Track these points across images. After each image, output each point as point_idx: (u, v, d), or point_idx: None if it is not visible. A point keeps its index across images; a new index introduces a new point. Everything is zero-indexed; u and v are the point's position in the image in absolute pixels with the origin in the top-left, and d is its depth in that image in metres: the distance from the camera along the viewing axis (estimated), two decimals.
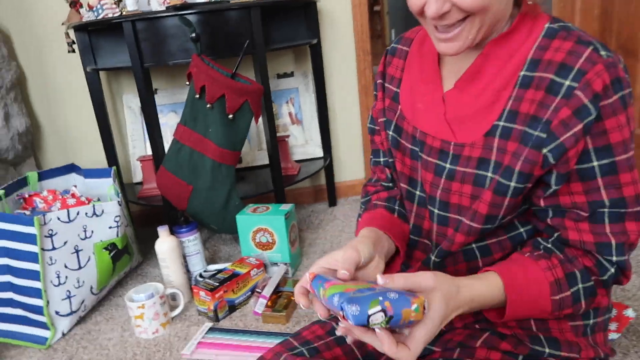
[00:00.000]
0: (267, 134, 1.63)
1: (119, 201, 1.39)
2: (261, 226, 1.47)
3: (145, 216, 1.95)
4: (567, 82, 0.60)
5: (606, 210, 0.64)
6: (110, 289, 1.49)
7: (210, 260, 1.64)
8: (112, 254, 1.40)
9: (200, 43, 1.40)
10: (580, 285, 0.65)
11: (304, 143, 1.96)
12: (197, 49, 1.39)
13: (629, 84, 0.61)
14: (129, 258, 1.51)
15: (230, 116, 1.40)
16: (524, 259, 0.67)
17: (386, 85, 0.84)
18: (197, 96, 1.40)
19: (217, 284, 1.30)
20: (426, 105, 0.75)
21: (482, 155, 0.67)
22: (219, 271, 1.39)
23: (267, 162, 1.89)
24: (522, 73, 0.65)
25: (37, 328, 1.27)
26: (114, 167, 1.56)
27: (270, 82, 1.80)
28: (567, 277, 0.64)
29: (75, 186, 1.52)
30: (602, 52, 0.60)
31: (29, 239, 1.20)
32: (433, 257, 0.76)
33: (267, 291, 1.32)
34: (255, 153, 1.93)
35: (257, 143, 1.93)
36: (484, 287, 0.63)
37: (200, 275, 1.47)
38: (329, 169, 1.94)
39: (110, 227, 1.38)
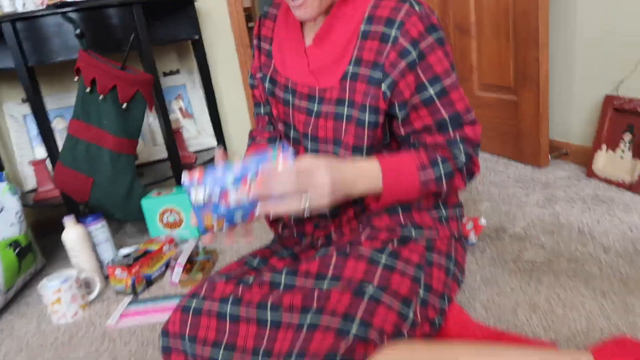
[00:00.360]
0: (162, 126, 1.72)
1: (18, 196, 1.39)
2: (167, 206, 1.56)
3: (42, 224, 1.91)
4: (393, 32, 0.82)
5: (449, 123, 0.87)
6: (17, 291, 1.47)
7: (119, 247, 1.68)
8: (16, 251, 1.39)
9: (86, 39, 1.47)
10: (441, 168, 0.86)
11: (197, 135, 2.07)
12: (82, 45, 1.45)
13: (441, 27, 0.85)
14: (33, 257, 1.51)
15: (124, 106, 1.48)
16: (401, 152, 0.88)
17: (261, 44, 1.02)
18: (88, 90, 1.46)
19: (132, 262, 1.37)
20: (293, 59, 0.94)
21: (340, 97, 0.88)
22: (131, 253, 1.45)
23: (163, 156, 1.96)
24: (362, 28, 0.86)
25: None
26: (4, 171, 1.54)
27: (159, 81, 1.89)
28: (431, 161, 0.86)
29: None
30: (416, 7, 0.83)
31: None
32: None
33: (182, 260, 1.41)
34: (151, 149, 1.99)
35: (151, 139, 2.00)
36: (364, 161, 0.83)
37: (112, 260, 1.51)
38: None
39: (12, 224, 1.38)
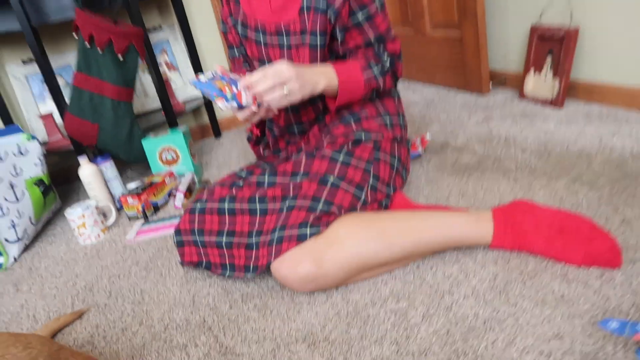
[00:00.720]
0: (153, 77, 1.94)
1: (38, 140, 1.63)
2: (165, 145, 1.81)
3: (53, 173, 2.15)
4: None
5: (374, 42, 1.14)
6: (45, 225, 1.74)
7: (126, 184, 1.94)
8: (42, 189, 1.65)
9: None
10: (375, 68, 1.15)
11: (182, 85, 2.30)
12: (78, 4, 1.66)
13: None
14: (54, 196, 1.77)
15: (121, 57, 1.70)
16: (346, 59, 1.16)
17: None
18: (88, 45, 1.68)
19: (141, 191, 1.64)
20: (258, 2, 1.19)
21: (301, 28, 1.13)
22: (139, 185, 1.71)
23: (156, 106, 2.20)
24: None
25: None
26: (17, 124, 1.77)
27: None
28: (368, 64, 1.15)
29: None
30: None
31: None
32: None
33: (182, 187, 1.68)
34: (144, 100, 2.22)
35: (142, 92, 2.23)
36: (321, 65, 1.10)
37: (123, 192, 1.78)
38: (209, 105, 2.31)
39: (35, 165, 1.63)
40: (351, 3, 1.10)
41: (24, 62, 2.04)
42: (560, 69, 1.71)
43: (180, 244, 1.18)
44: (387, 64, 1.17)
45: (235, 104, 1.02)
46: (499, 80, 2.07)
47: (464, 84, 2.12)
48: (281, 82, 1.01)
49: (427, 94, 2.25)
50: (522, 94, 1.90)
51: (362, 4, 1.10)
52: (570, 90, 1.77)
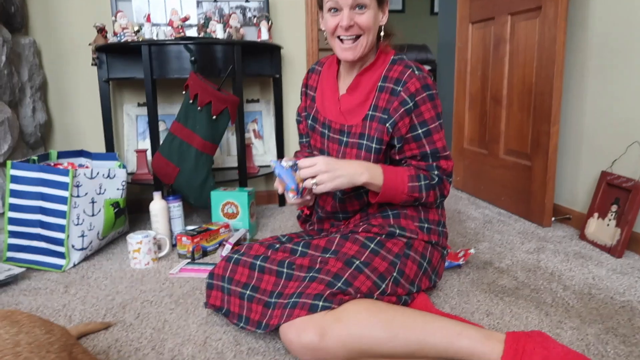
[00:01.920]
0: (237, 140, 2.17)
1: (126, 170, 1.87)
2: (229, 200, 1.98)
3: (132, 201, 2.40)
4: (399, 88, 1.22)
5: (429, 155, 1.24)
6: (108, 242, 1.93)
7: (187, 225, 2.11)
8: (115, 210, 1.86)
9: (197, 65, 1.96)
10: (422, 181, 1.23)
11: (263, 153, 2.51)
12: (193, 68, 1.95)
13: (434, 87, 1.23)
14: (124, 219, 1.97)
15: (214, 117, 1.95)
16: (398, 166, 1.27)
17: (307, 91, 1.44)
18: (191, 102, 1.94)
19: (195, 233, 1.79)
20: (330, 104, 1.35)
21: (361, 132, 1.27)
22: (195, 228, 1.87)
23: (234, 165, 2.42)
24: (379, 84, 1.26)
25: (56, 258, 1.70)
26: (117, 152, 2.04)
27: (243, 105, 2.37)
28: (417, 174, 1.24)
29: (88, 163, 1.98)
30: (417, 72, 1.22)
31: (63, 186, 1.66)
32: (339, 195, 1.34)
33: (233, 240, 1.81)
34: (225, 157, 2.46)
35: (227, 150, 2.47)
36: (374, 167, 1.22)
37: (181, 231, 1.94)
38: None
39: (117, 189, 1.85)
40: (413, 118, 1.22)
41: (139, 104, 2.37)
42: (624, 219, 1.68)
43: (209, 286, 1.28)
44: (435, 181, 1.25)
45: (299, 200, 1.20)
46: (562, 216, 2.05)
47: (527, 213, 2.13)
48: (313, 173, 1.16)
49: (488, 214, 2.27)
50: (582, 235, 1.86)
51: (423, 120, 1.23)
52: (632, 243, 1.72)
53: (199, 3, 2.31)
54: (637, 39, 1.69)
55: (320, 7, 1.26)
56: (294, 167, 1.20)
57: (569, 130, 2.03)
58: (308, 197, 1.24)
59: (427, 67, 2.62)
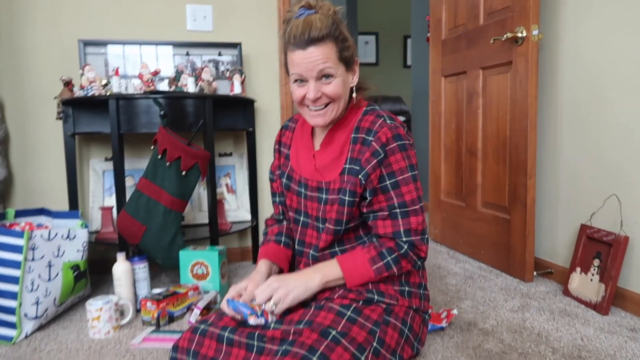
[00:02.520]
0: (209, 195, 2.09)
1: (87, 230, 1.76)
2: (199, 260, 1.87)
3: (95, 262, 2.26)
4: (370, 138, 1.17)
5: (397, 210, 1.17)
6: (67, 309, 1.79)
7: (154, 287, 1.98)
8: (75, 274, 1.73)
9: (167, 119, 1.90)
10: (388, 258, 1.16)
11: (236, 208, 2.43)
12: (163, 123, 1.89)
13: (406, 137, 1.18)
14: (85, 283, 1.84)
15: (184, 173, 1.87)
16: (357, 249, 1.21)
17: (281, 149, 1.39)
18: (159, 157, 1.86)
19: (161, 298, 1.67)
20: (305, 161, 1.30)
21: (340, 186, 1.21)
22: (162, 292, 1.75)
23: (206, 221, 2.32)
24: (352, 135, 1.21)
25: (6, 328, 1.55)
26: (80, 210, 1.93)
27: (214, 159, 2.30)
28: (379, 254, 1.17)
29: (47, 222, 1.86)
30: (388, 121, 1.17)
31: (16, 249, 1.53)
32: (312, 252, 1.26)
33: (202, 303, 1.69)
34: (196, 214, 2.36)
35: (198, 205, 2.37)
36: (327, 264, 1.18)
37: (146, 295, 1.81)
38: (255, 230, 2.40)
39: (77, 250, 1.73)
40: (382, 169, 1.16)
41: (106, 159, 2.28)
42: (607, 275, 1.64)
43: None
44: (404, 249, 1.17)
45: (262, 320, 1.14)
46: (544, 271, 2.00)
47: (508, 267, 2.07)
48: (268, 294, 1.15)
49: (469, 268, 2.20)
50: (566, 290, 1.81)
51: (391, 171, 1.16)
52: (617, 299, 1.67)
53: (173, 56, 2.28)
54: (607, 92, 1.71)
55: (287, 72, 1.21)
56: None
57: (546, 182, 2.02)
58: (275, 319, 1.17)
59: (401, 118, 2.61)
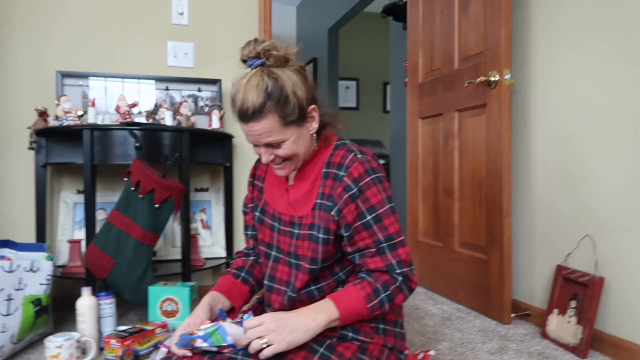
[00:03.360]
0: (182, 230, 2.04)
1: (52, 263, 1.68)
2: (169, 296, 1.80)
3: (60, 298, 2.16)
4: (342, 173, 1.15)
5: (384, 244, 1.14)
6: (25, 346, 1.69)
7: (120, 324, 1.89)
8: (36, 309, 1.64)
9: (142, 150, 1.88)
10: (383, 294, 1.12)
11: (210, 244, 2.37)
12: (138, 155, 1.86)
13: (379, 170, 1.16)
14: (47, 319, 1.74)
15: (157, 206, 1.83)
16: (349, 286, 1.14)
17: (255, 182, 1.37)
18: (133, 189, 1.82)
19: (127, 335, 1.59)
20: (279, 195, 1.28)
21: (312, 222, 1.18)
22: (127, 329, 1.67)
23: (178, 257, 2.26)
24: (323, 170, 1.20)
25: None
26: (47, 242, 1.86)
27: (190, 194, 2.27)
28: (374, 290, 1.11)
29: (11, 254, 1.79)
30: (359, 156, 1.16)
31: None
32: (289, 293, 1.21)
33: (169, 342, 1.61)
34: (169, 249, 2.30)
35: (171, 240, 2.31)
36: (323, 304, 1.09)
37: (110, 332, 1.72)
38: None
39: (41, 284, 1.65)
40: (359, 204, 1.14)
41: (78, 191, 2.23)
42: (584, 317, 1.62)
43: None
44: (399, 282, 1.13)
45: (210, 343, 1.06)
46: (521, 312, 1.98)
47: (485, 309, 2.04)
48: (261, 334, 1.02)
49: (447, 309, 2.17)
50: (544, 333, 1.78)
51: (370, 206, 1.14)
52: (595, 341, 1.65)
53: (155, 91, 2.28)
54: (578, 134, 1.75)
55: None
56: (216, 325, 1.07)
57: (522, 222, 2.03)
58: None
59: (381, 161, 2.62)
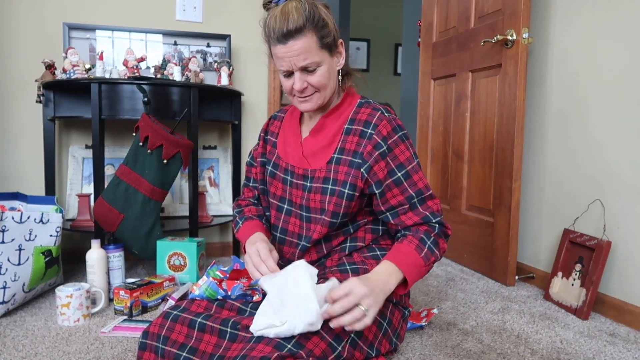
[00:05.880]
0: (190, 187, 2.04)
1: (62, 215, 1.70)
2: (177, 250, 1.82)
3: (69, 251, 2.20)
4: (370, 131, 1.14)
5: (415, 199, 1.15)
6: (37, 296, 1.73)
7: (129, 277, 1.93)
8: (46, 259, 1.67)
9: (150, 106, 1.86)
10: (429, 242, 1.12)
11: (218, 202, 2.38)
12: (146, 110, 1.85)
13: (404, 128, 1.16)
14: (57, 270, 1.78)
15: (165, 161, 1.82)
16: (395, 244, 1.15)
17: (268, 137, 1.36)
18: (141, 144, 1.82)
19: (135, 287, 1.62)
20: (292, 148, 1.27)
21: (326, 175, 1.18)
22: (136, 281, 1.70)
23: (186, 214, 2.27)
24: (346, 126, 1.19)
25: None
26: (56, 195, 1.87)
27: (198, 151, 2.26)
28: (420, 240, 1.13)
29: (21, 206, 1.81)
30: (386, 114, 1.15)
31: None
32: (302, 242, 1.22)
33: (177, 294, 1.65)
34: (177, 205, 2.31)
35: (179, 197, 2.33)
36: (381, 266, 1.09)
37: (119, 284, 1.76)
38: None
39: (50, 235, 1.67)
40: (389, 162, 1.14)
41: (87, 146, 2.23)
42: (588, 280, 1.63)
43: (142, 347, 1.12)
44: (437, 229, 1.15)
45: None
46: (525, 275, 1.99)
47: (490, 271, 2.06)
48: (356, 301, 0.98)
49: (451, 271, 2.18)
50: (547, 295, 1.79)
51: (399, 163, 1.15)
52: (597, 304, 1.66)
53: (162, 45, 2.24)
54: (593, 97, 1.71)
55: (271, 55, 1.19)
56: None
57: (531, 186, 2.01)
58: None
59: None
